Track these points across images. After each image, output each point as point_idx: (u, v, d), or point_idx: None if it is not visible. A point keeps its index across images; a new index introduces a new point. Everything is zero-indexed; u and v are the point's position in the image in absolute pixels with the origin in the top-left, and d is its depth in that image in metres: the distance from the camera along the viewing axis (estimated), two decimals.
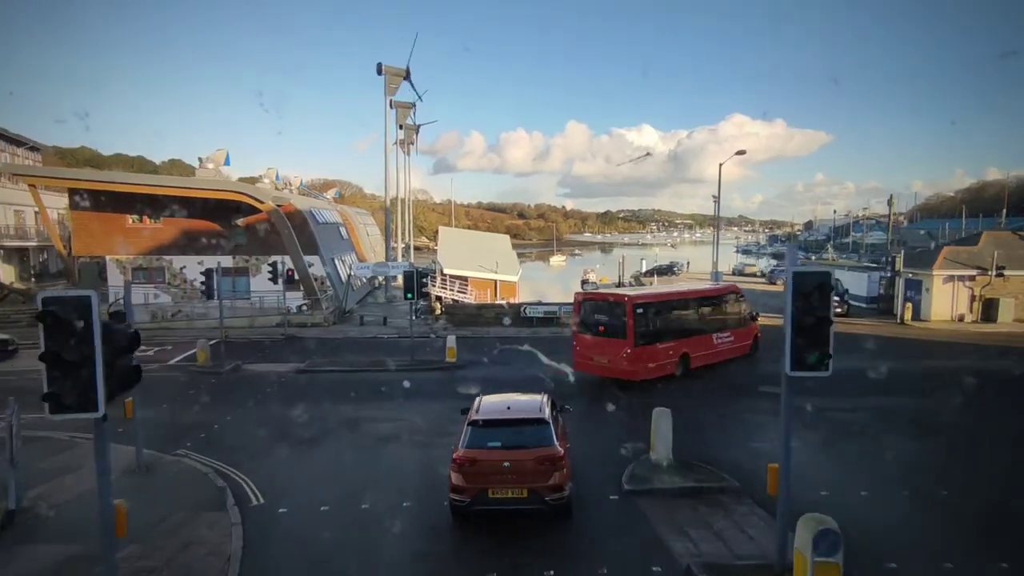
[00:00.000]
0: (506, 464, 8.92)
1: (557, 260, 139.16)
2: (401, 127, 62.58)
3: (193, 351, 22.99)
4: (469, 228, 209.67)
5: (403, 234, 72.39)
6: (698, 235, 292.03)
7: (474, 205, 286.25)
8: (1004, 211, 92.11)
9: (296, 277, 31.17)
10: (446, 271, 49.20)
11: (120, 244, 32.83)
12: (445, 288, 48.14)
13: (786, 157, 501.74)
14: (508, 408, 10.10)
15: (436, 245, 56.29)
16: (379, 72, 48.05)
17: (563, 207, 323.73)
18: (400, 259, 53.66)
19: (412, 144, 71.35)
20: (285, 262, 27.44)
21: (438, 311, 49.23)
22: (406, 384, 18.92)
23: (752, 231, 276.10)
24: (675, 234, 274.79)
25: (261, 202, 29.46)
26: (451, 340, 22.18)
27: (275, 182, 41.71)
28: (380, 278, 43.27)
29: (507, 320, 30.65)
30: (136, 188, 29.41)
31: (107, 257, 33.23)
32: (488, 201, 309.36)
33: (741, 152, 51.41)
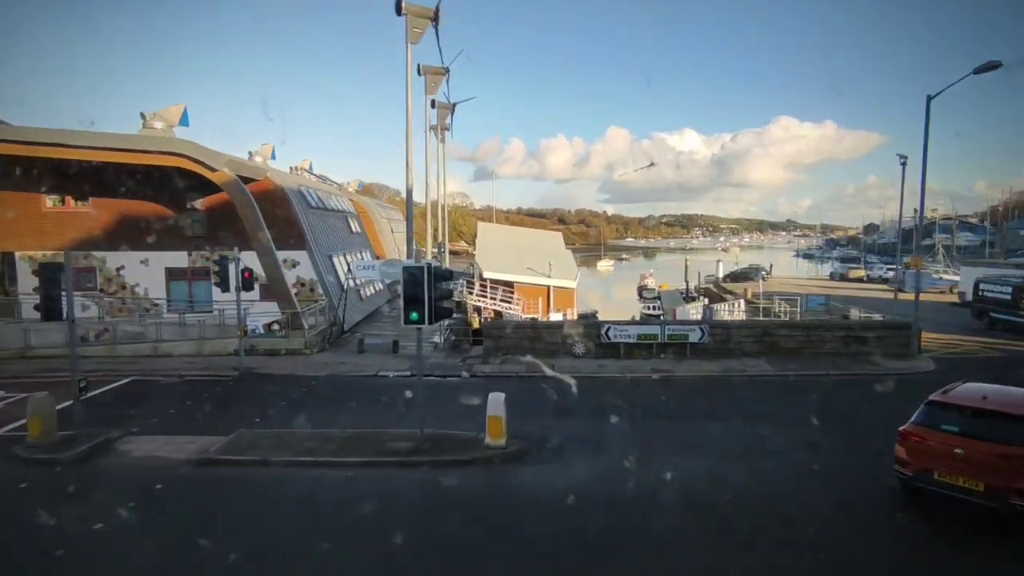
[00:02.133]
0: (958, 451, 7.58)
1: (604, 265, 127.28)
2: (434, 104, 52.47)
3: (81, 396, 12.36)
4: None
5: (439, 235, 62.28)
6: (746, 240, 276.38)
7: (514, 211, 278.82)
8: None
9: (265, 281, 20.66)
10: (486, 275, 38.25)
11: (33, 235, 23.08)
12: (485, 297, 37.18)
13: (836, 159, 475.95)
14: (984, 398, 8.15)
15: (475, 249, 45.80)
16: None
17: (604, 212, 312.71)
18: (430, 257, 43.14)
19: (447, 129, 61.43)
20: (241, 258, 17.16)
21: (475, 324, 38.63)
22: (399, 525, 7.90)
23: (803, 235, 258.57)
24: (722, 239, 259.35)
25: (212, 169, 19.17)
26: (496, 401, 11.07)
27: (271, 160, 31.54)
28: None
29: (579, 348, 19.48)
30: (35, 151, 19.40)
31: (16, 253, 23.51)
32: (528, 207, 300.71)
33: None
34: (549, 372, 17.31)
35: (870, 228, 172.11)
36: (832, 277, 56.46)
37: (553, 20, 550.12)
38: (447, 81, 49.93)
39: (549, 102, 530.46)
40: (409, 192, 32.26)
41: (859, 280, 52.23)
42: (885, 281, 48.79)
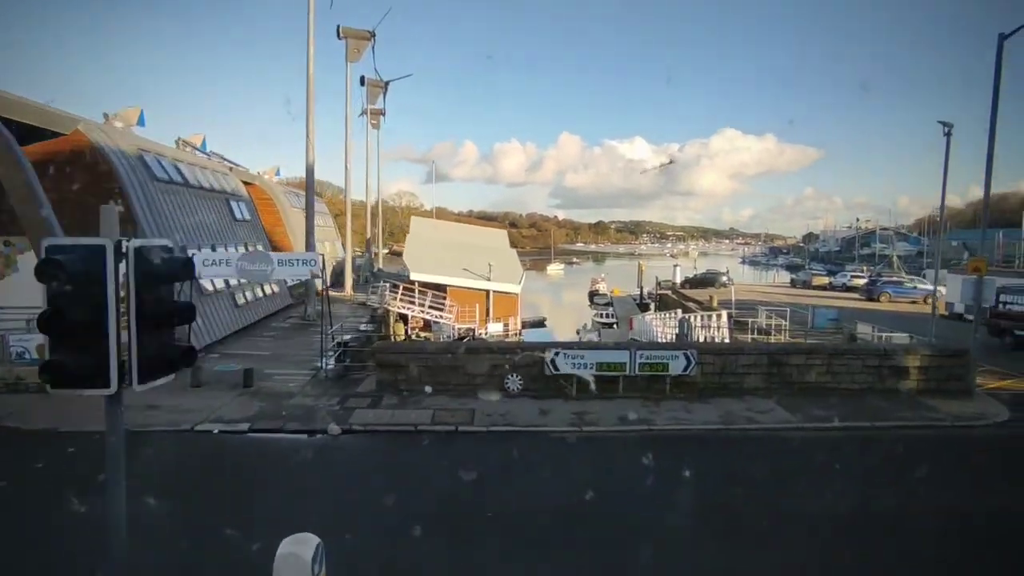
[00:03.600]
0: None
1: (554, 269, 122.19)
2: (363, 81, 45.53)
3: None
4: None
5: (370, 231, 55.08)
6: (692, 247, 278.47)
7: (465, 213, 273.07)
8: None
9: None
10: (414, 276, 31.72)
11: None
12: (412, 303, 30.64)
13: (777, 171, 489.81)
14: None
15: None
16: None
17: (555, 217, 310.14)
18: (348, 255, 36.02)
19: (382, 113, 54.46)
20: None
21: (400, 333, 31.99)
22: None
23: (746, 243, 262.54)
24: (669, 245, 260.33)
25: None
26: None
27: (138, 127, 24.05)
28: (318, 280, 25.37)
29: (514, 382, 13.27)
30: None
31: None
32: (480, 210, 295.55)
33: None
34: (464, 426, 11.05)
35: (809, 237, 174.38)
36: (795, 284, 52.38)
37: (509, 25, 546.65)
38: (386, 90, 44.03)
39: (503, 107, 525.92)
40: (310, 170, 25.52)
41: (824, 287, 48.25)
42: (850, 288, 44.82)
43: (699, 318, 23.56)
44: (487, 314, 32.30)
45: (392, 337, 28.53)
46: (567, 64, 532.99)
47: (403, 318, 32.00)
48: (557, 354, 13.12)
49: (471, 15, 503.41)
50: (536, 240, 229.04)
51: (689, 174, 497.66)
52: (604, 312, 51.38)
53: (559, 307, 75.26)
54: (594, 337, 39.55)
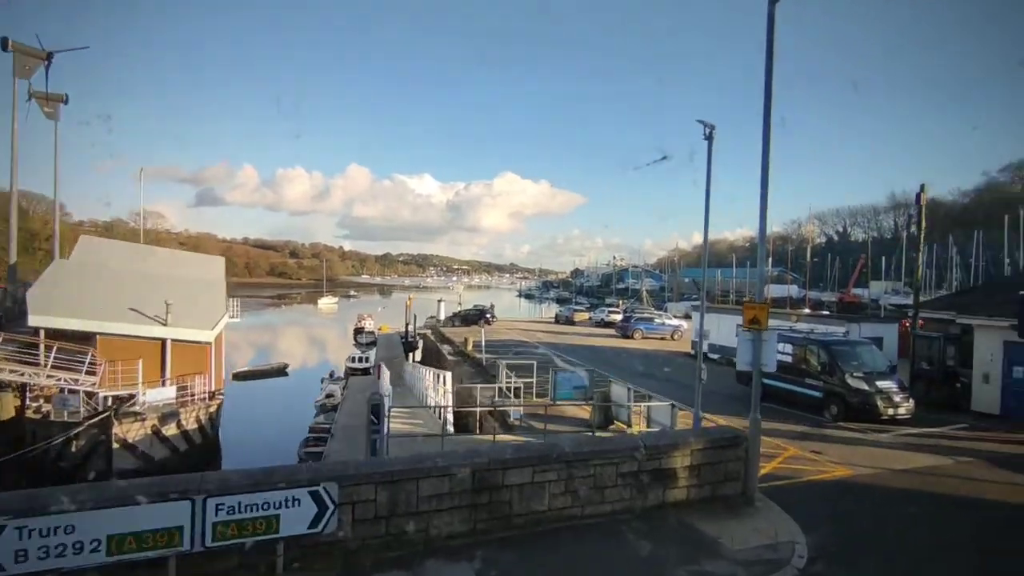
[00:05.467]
0: None
1: (327, 303, 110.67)
2: (5, 46, 32.40)
3: None
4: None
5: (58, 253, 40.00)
6: (476, 280, 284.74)
7: (239, 240, 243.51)
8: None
9: None
10: (35, 321, 21.04)
11: None
12: (28, 364, 19.83)
13: (550, 213, 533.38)
14: None
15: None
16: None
17: (340, 247, 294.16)
18: None
19: (62, 100, 40.54)
20: None
21: (10, 414, 20.34)
22: None
23: (524, 277, 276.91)
24: (454, 278, 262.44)
25: None
26: None
27: None
28: None
29: None
30: None
31: None
32: (257, 237, 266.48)
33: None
34: None
35: (576, 272, 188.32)
36: (558, 320, 50.93)
37: (296, 52, 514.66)
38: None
39: (285, 132, 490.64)
40: None
41: (584, 324, 47.16)
42: (608, 324, 44.13)
43: (430, 378, 17.62)
44: (163, 371, 22.70)
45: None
46: (354, 97, 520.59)
47: (18, 389, 20.93)
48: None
49: (260, 37, 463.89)
50: (317, 271, 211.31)
51: (474, 211, 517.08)
52: (361, 356, 43.79)
53: (320, 346, 65.58)
54: (337, 391, 31.80)
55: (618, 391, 14.65)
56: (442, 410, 16.00)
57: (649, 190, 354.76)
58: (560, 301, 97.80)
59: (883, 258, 78.70)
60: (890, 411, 15.15)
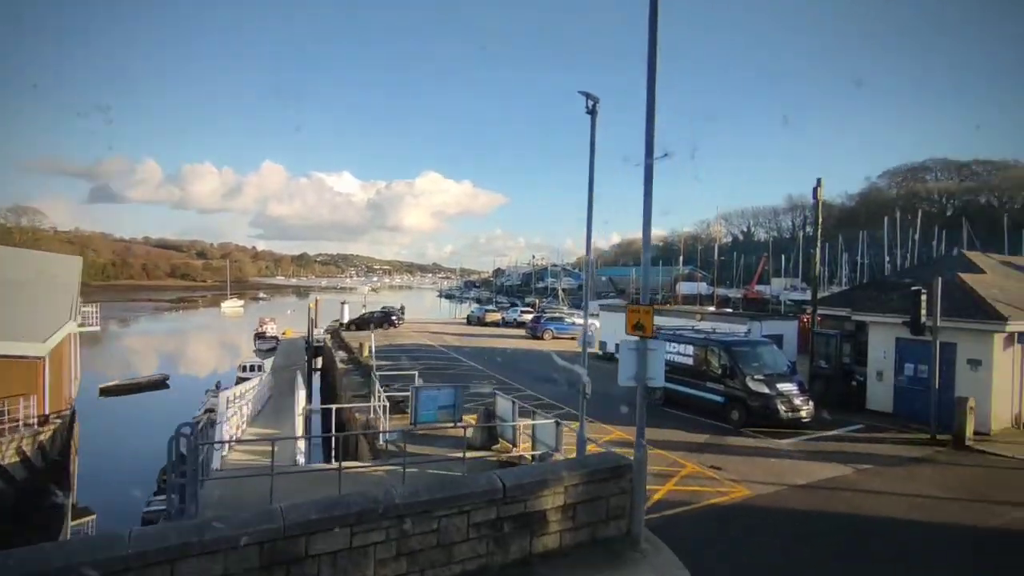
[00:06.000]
0: None
1: (231, 306, 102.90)
2: None
3: None
4: (110, 264, 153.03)
5: None
6: (397, 280, 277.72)
7: (140, 240, 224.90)
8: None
9: None
10: None
11: None
12: None
13: (473, 213, 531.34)
14: None
15: None
16: None
17: (253, 248, 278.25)
18: None
19: None
20: None
21: None
22: None
23: (447, 277, 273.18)
24: (375, 279, 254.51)
25: None
26: None
27: None
28: None
29: None
30: None
31: None
32: (160, 236, 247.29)
33: None
34: None
35: (498, 272, 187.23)
36: (470, 321, 48.92)
37: (209, 44, 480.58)
38: None
39: (194, 125, 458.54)
40: None
41: (496, 324, 45.45)
42: (521, 324, 42.69)
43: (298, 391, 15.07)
44: None
45: None
46: (267, 92, 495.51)
47: None
48: None
49: (168, 26, 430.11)
50: (225, 273, 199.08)
51: (396, 211, 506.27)
52: (252, 364, 39.78)
53: (215, 353, 60.06)
54: (221, 404, 28.12)
55: (503, 406, 12.86)
56: (299, 434, 13.59)
57: (570, 190, 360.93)
58: (480, 301, 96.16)
59: (782, 256, 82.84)
60: (791, 415, 14.32)
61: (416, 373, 17.40)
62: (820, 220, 20.05)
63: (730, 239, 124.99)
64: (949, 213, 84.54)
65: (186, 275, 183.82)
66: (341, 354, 30.37)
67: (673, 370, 16.99)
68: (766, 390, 14.48)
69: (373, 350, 22.68)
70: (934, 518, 9.26)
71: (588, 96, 9.76)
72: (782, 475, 11.20)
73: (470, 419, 13.64)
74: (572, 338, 36.42)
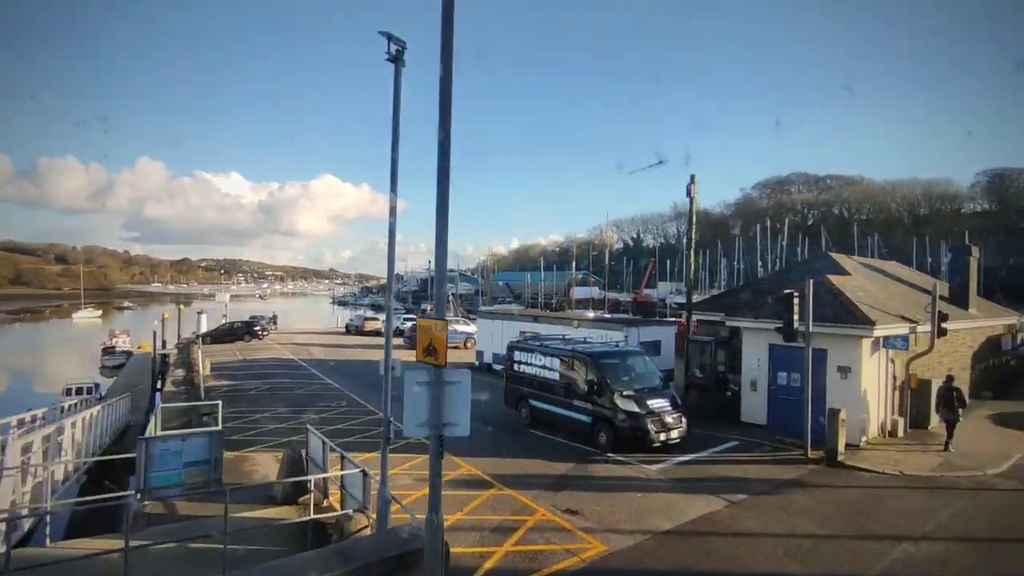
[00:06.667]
0: None
1: (86, 316, 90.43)
2: None
3: None
4: None
5: None
6: (290, 286, 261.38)
7: None
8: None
9: None
10: None
11: None
12: None
13: (372, 217, 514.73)
14: None
15: None
16: None
17: (126, 252, 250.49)
18: None
19: None
20: None
21: None
22: None
23: (343, 283, 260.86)
24: (265, 285, 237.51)
25: None
26: None
27: None
28: None
29: None
30: None
31: None
32: (6, 239, 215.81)
33: None
34: None
35: (397, 278, 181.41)
36: (348, 330, 44.91)
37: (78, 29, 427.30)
38: None
39: (54, 116, 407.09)
40: None
41: (378, 332, 41.92)
42: (401, 333, 39.52)
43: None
44: None
45: None
46: (148, 85, 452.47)
47: None
48: None
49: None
50: (89, 279, 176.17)
51: (290, 214, 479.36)
52: (85, 384, 33.32)
53: (50, 370, 51.14)
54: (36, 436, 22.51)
55: (316, 445, 9.98)
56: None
57: (470, 196, 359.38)
58: (375, 308, 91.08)
59: (668, 261, 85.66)
60: (662, 436, 12.64)
61: (219, 407, 13.41)
62: (695, 217, 19.00)
63: (621, 245, 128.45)
64: (810, 222, 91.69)
65: (32, 282, 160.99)
66: (178, 372, 25.74)
67: (540, 386, 14.93)
68: (636, 408, 12.70)
69: (229, 366, 18.75)
70: (812, 569, 7.64)
71: (391, 39, 7.23)
72: (647, 516, 9.27)
73: (275, 460, 10.60)
74: (454, 347, 33.87)
